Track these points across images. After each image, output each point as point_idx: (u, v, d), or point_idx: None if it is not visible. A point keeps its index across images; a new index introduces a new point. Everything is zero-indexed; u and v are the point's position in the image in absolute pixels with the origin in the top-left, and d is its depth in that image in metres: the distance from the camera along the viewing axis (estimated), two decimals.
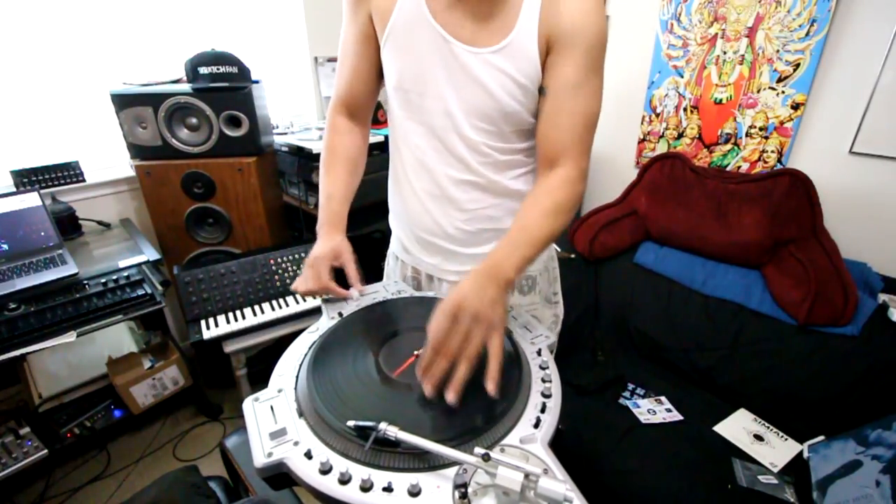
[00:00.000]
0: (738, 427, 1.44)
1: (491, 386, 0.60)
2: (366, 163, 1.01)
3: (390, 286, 0.91)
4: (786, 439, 1.39)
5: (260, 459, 0.54)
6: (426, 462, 0.53)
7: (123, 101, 1.68)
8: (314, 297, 0.86)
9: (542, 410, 0.60)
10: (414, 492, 0.49)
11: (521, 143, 0.87)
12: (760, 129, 1.75)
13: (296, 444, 0.55)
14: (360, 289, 0.88)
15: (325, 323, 0.79)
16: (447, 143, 0.86)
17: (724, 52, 1.77)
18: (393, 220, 1.07)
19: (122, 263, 1.60)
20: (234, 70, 1.73)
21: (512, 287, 0.70)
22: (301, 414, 0.60)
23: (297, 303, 1.75)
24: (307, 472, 0.52)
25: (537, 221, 0.76)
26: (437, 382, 0.60)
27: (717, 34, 1.77)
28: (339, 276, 0.87)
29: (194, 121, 1.76)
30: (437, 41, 0.79)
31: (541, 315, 1.04)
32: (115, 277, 1.54)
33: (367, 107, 0.98)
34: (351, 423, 0.55)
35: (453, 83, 0.81)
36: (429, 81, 0.82)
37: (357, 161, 0.98)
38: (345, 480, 0.51)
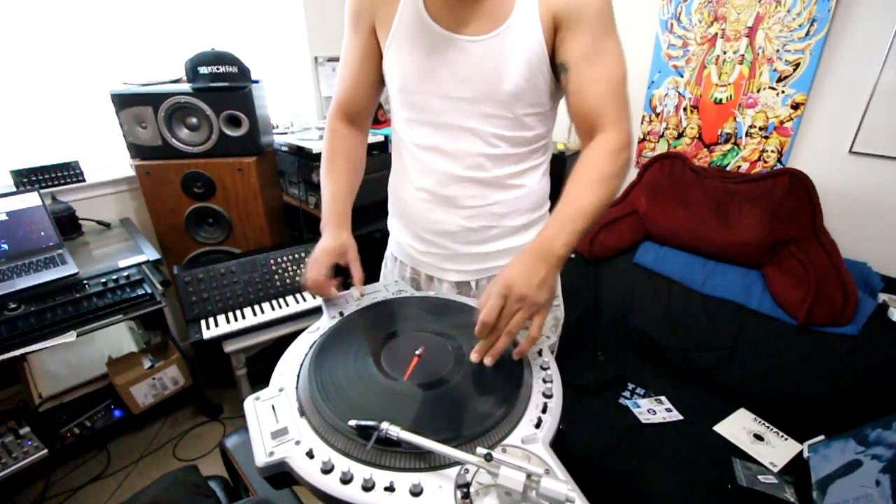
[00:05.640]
0: (738, 427, 1.44)
1: (515, 356, 0.67)
2: (365, 165, 1.02)
3: (391, 286, 0.91)
4: (786, 439, 1.39)
5: (261, 458, 0.54)
6: (428, 462, 0.53)
7: (123, 101, 1.68)
8: (313, 297, 0.86)
9: (544, 411, 0.60)
10: (416, 492, 0.49)
11: (533, 131, 0.87)
12: (760, 128, 1.75)
13: (297, 443, 0.55)
14: (360, 290, 0.88)
15: (325, 322, 0.79)
16: (453, 139, 0.86)
17: (724, 52, 1.77)
18: (393, 222, 1.07)
19: (122, 263, 1.59)
20: (234, 70, 1.73)
21: (562, 263, 0.73)
22: (302, 413, 0.60)
23: (297, 303, 1.75)
24: (309, 471, 0.52)
25: (583, 194, 0.76)
26: (481, 353, 0.67)
27: (716, 34, 1.77)
28: (344, 273, 0.87)
29: (194, 121, 1.76)
30: (439, 40, 0.81)
31: None
32: (115, 277, 1.54)
33: (367, 114, 1.01)
34: (353, 422, 0.55)
35: (460, 77, 0.82)
36: (434, 81, 0.83)
37: (357, 162, 1.00)
38: (346, 480, 0.51)
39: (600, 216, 0.78)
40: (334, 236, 0.87)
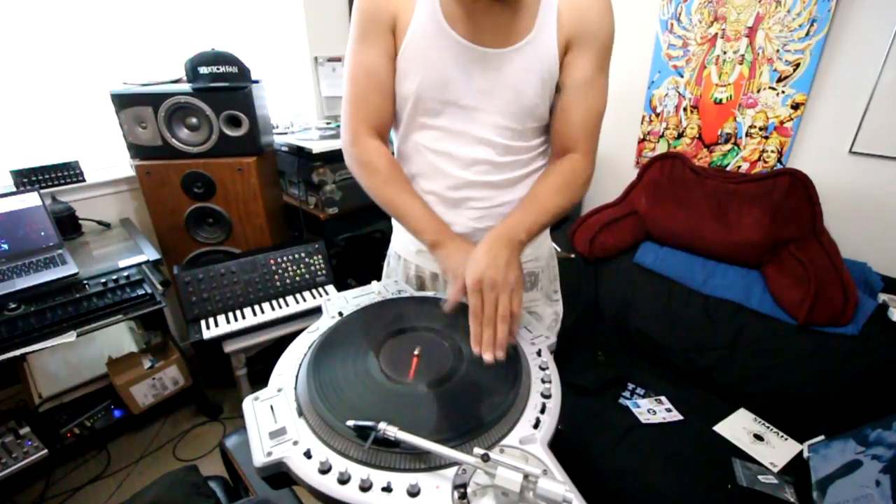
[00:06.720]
0: (738, 427, 1.44)
1: (510, 339, 0.69)
2: None
3: (391, 286, 0.91)
4: (786, 439, 1.39)
5: (259, 458, 0.54)
6: (425, 462, 0.53)
7: (123, 101, 1.68)
8: (313, 296, 0.85)
9: (542, 411, 0.60)
10: (413, 492, 0.49)
11: (537, 139, 0.90)
12: (760, 128, 1.75)
13: (295, 443, 0.55)
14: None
15: (324, 322, 0.79)
16: (465, 145, 0.87)
17: (724, 52, 1.76)
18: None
19: (122, 263, 1.60)
20: (234, 70, 1.73)
21: (523, 247, 0.78)
22: (301, 413, 0.60)
23: (297, 303, 1.75)
24: (306, 471, 0.52)
25: (547, 194, 0.84)
26: (490, 347, 0.67)
27: (717, 34, 1.77)
28: (337, 275, 0.87)
29: (194, 121, 1.76)
30: (457, 49, 0.80)
31: (542, 312, 1.04)
32: (115, 277, 1.54)
33: (392, 125, 0.95)
34: (350, 422, 0.55)
35: (476, 87, 0.82)
36: (449, 89, 0.83)
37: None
38: (344, 480, 0.51)
39: (558, 220, 0.86)
40: (465, 249, 0.81)
